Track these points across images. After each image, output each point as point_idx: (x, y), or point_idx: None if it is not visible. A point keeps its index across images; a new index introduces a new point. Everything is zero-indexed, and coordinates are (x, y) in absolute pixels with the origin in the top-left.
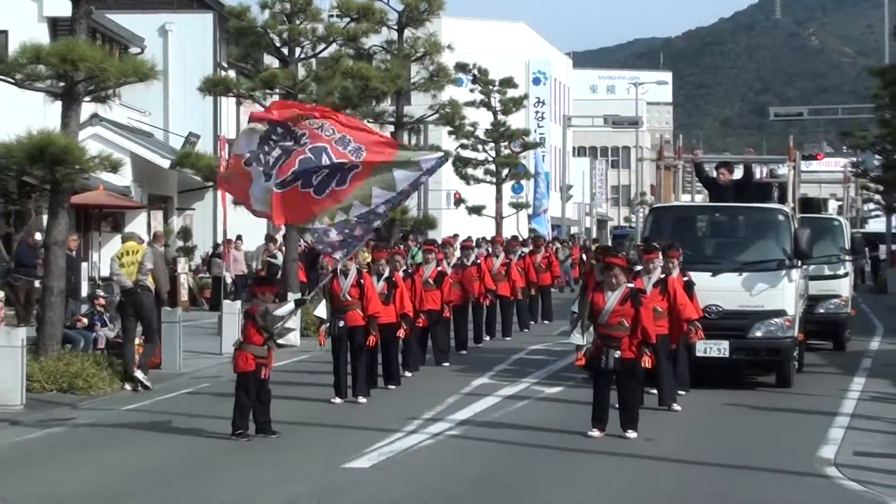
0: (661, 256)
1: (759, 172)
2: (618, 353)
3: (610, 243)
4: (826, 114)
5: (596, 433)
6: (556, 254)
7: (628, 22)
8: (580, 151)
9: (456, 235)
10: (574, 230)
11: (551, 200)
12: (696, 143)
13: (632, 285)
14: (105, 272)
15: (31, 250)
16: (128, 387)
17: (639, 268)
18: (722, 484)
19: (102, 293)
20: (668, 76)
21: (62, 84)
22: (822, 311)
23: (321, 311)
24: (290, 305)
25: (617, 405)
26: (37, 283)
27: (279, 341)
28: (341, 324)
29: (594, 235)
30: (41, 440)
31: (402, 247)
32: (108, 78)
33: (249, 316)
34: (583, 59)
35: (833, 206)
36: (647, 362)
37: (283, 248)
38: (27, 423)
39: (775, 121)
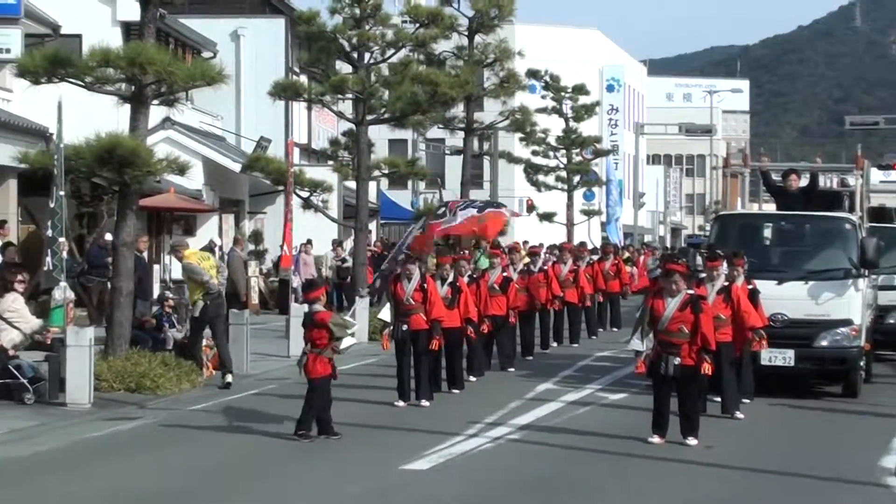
0: (725, 264)
1: (830, 181)
2: (677, 360)
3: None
4: None
5: (656, 440)
6: (627, 261)
7: (705, 29)
8: (655, 159)
9: (526, 242)
10: (647, 238)
11: (624, 208)
12: (773, 151)
13: (692, 292)
14: (175, 275)
15: (103, 252)
16: (229, 378)
17: (703, 275)
18: (780, 492)
19: (172, 295)
20: (744, 84)
21: (131, 87)
22: (892, 321)
23: (385, 314)
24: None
25: (678, 412)
26: (109, 285)
27: (344, 346)
28: (405, 327)
29: (668, 243)
30: (107, 438)
31: (467, 252)
32: (176, 81)
33: (318, 323)
34: (660, 67)
35: None
36: (706, 369)
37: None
38: (94, 420)
39: (852, 130)
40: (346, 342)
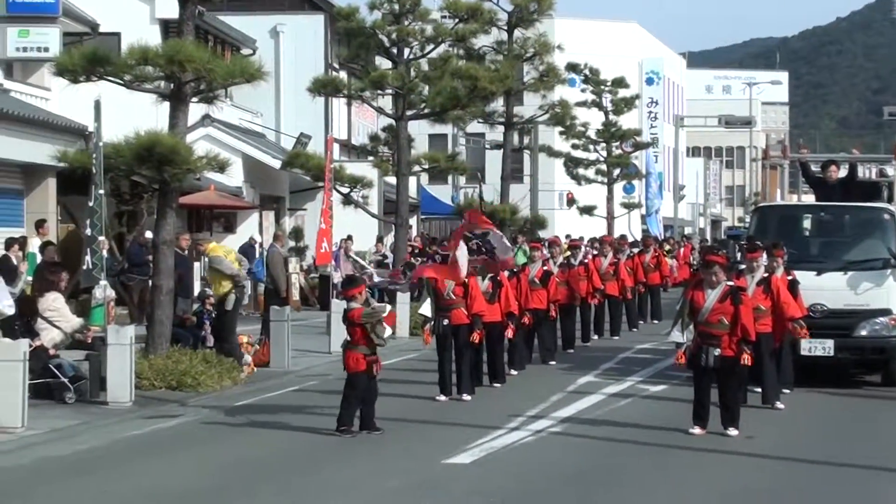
0: (764, 255)
1: (868, 172)
2: (717, 351)
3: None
4: None
5: (697, 431)
6: (668, 254)
7: (744, 22)
8: (695, 152)
9: (568, 236)
10: (687, 230)
11: (664, 201)
12: (813, 143)
13: (732, 283)
14: None
15: (143, 250)
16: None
17: (742, 266)
18: (820, 482)
19: (212, 292)
20: (783, 76)
21: (170, 85)
22: None
23: (426, 309)
24: (384, 306)
25: (718, 403)
26: (149, 283)
27: (386, 336)
28: (445, 322)
29: (707, 236)
30: (148, 436)
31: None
32: (216, 79)
33: (350, 320)
34: (699, 59)
35: None
36: (746, 360)
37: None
38: (135, 419)
39: (891, 120)
40: (386, 331)
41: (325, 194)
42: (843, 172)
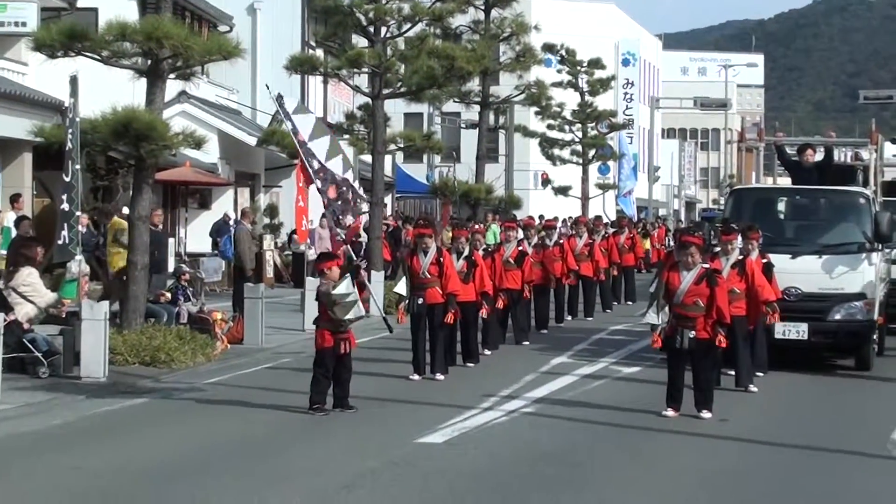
0: (739, 238)
1: (844, 156)
2: (692, 333)
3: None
4: None
5: (670, 413)
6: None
7: (720, 4)
8: (670, 133)
9: (542, 216)
10: (662, 212)
11: (638, 182)
12: (788, 126)
13: (707, 266)
14: (191, 248)
15: None
16: None
17: (717, 249)
18: (792, 465)
19: (187, 268)
20: (759, 59)
21: (148, 61)
22: None
23: (401, 287)
24: (346, 280)
25: (692, 385)
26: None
27: (349, 317)
28: (420, 301)
29: (682, 217)
30: (121, 412)
31: (482, 225)
32: (193, 56)
33: (317, 295)
34: (674, 41)
35: None
36: (721, 342)
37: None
38: (108, 395)
39: (866, 104)
40: (352, 313)
41: (300, 172)
42: (819, 156)
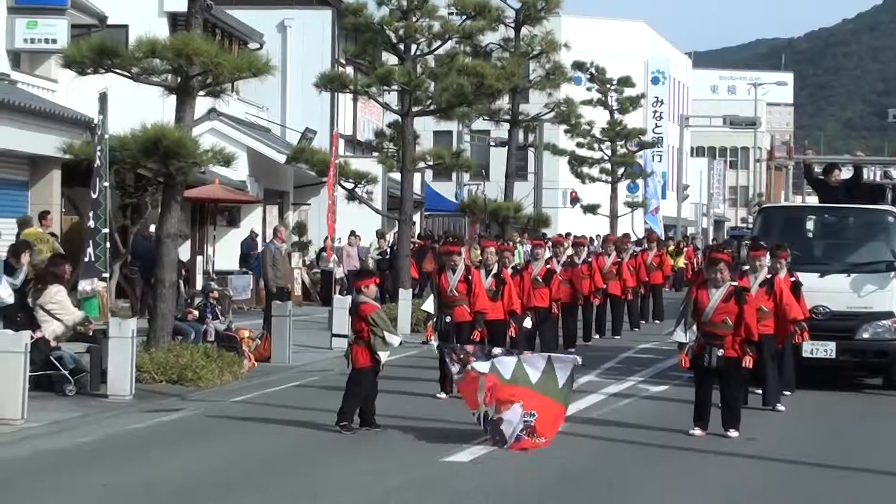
0: (768, 256)
1: (873, 174)
2: (721, 352)
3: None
4: None
5: (697, 432)
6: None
7: (750, 22)
8: (699, 151)
9: (568, 234)
10: (690, 230)
11: (667, 201)
12: (817, 144)
13: (736, 284)
14: (220, 266)
15: (147, 243)
16: None
17: (746, 267)
18: (820, 485)
19: (216, 286)
20: (788, 77)
21: (177, 78)
22: None
23: (429, 305)
24: (395, 340)
25: (720, 404)
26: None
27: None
28: (448, 319)
29: (710, 236)
30: (148, 430)
31: (511, 243)
32: (223, 72)
33: (361, 315)
34: (704, 59)
35: None
36: (748, 362)
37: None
38: (136, 412)
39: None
40: (384, 355)
41: (329, 190)
42: (846, 175)
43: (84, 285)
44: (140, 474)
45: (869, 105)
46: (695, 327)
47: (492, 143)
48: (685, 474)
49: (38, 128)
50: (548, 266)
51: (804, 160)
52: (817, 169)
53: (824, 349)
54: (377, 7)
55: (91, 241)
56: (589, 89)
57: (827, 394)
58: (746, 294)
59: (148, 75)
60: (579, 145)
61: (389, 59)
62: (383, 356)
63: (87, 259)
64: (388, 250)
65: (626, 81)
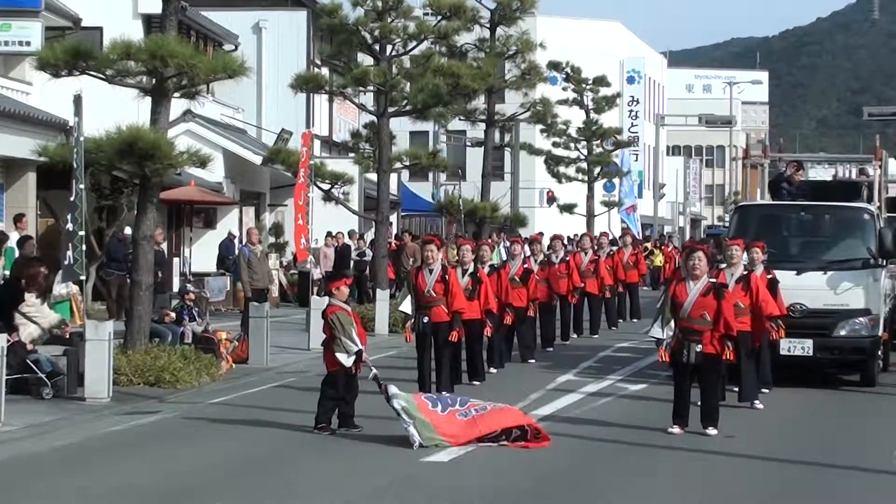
0: (744, 252)
1: (849, 172)
2: (699, 347)
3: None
4: None
5: (676, 430)
6: (648, 255)
7: (725, 21)
8: (675, 150)
9: (541, 233)
10: (667, 229)
11: (644, 199)
12: (793, 143)
13: (714, 280)
14: (196, 268)
15: (122, 245)
16: None
17: (723, 266)
18: (798, 481)
19: (192, 288)
20: (763, 76)
21: (152, 80)
22: None
23: (406, 306)
24: (351, 347)
25: (698, 402)
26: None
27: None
28: (426, 319)
29: (687, 235)
30: (126, 432)
31: (491, 240)
32: (198, 74)
33: (325, 316)
34: (680, 58)
35: None
36: (729, 354)
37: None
38: (113, 415)
39: (870, 120)
40: (342, 357)
41: (301, 189)
42: (826, 176)
43: (59, 289)
44: (118, 477)
45: (843, 103)
46: (672, 324)
47: (468, 143)
48: (664, 472)
49: (13, 130)
50: (525, 265)
51: (780, 157)
52: (783, 168)
53: (801, 346)
54: (352, 8)
55: (70, 244)
56: (565, 89)
57: (804, 391)
58: (724, 290)
59: (123, 77)
60: (555, 145)
61: (365, 59)
62: (342, 359)
63: (65, 262)
64: (367, 251)
65: (601, 81)
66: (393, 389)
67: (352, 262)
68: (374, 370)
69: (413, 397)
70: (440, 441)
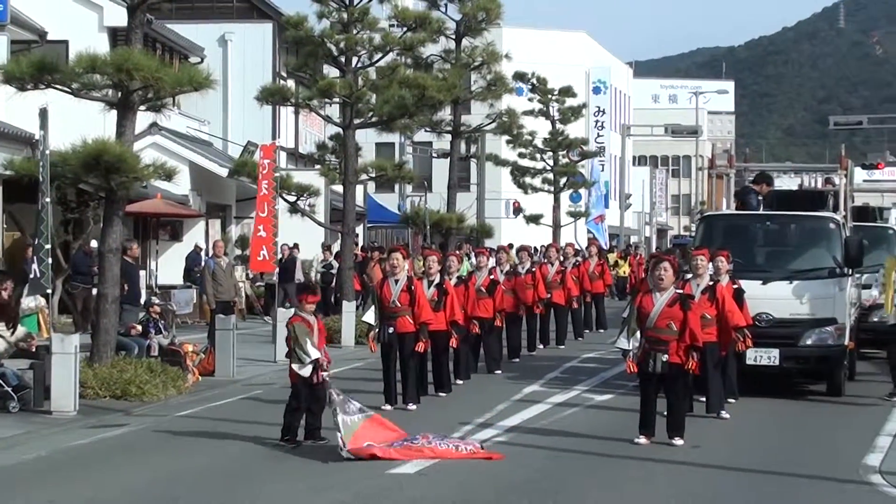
0: (709, 263)
1: (814, 181)
2: (665, 357)
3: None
4: (889, 122)
5: (643, 440)
6: (614, 265)
7: (691, 31)
8: (641, 161)
9: (510, 245)
10: (634, 239)
11: (610, 210)
12: (759, 152)
13: (681, 291)
14: (162, 280)
15: (88, 258)
16: None
17: (689, 276)
18: (763, 491)
19: (158, 301)
20: (729, 85)
21: (118, 93)
22: (875, 319)
23: (370, 316)
24: (304, 357)
25: (665, 412)
26: (94, 291)
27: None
28: (391, 330)
29: (655, 245)
30: (92, 445)
31: (459, 252)
32: (163, 87)
33: (286, 326)
34: (646, 69)
35: (895, 214)
36: (693, 365)
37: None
38: (80, 428)
39: (836, 130)
40: (296, 367)
41: (264, 201)
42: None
43: (27, 301)
44: (85, 490)
45: (810, 112)
46: (638, 334)
47: (434, 155)
48: (631, 483)
49: None
50: (491, 276)
51: (746, 167)
52: (749, 179)
53: (768, 356)
54: (318, 20)
55: (36, 258)
56: (530, 100)
57: (771, 401)
58: (691, 300)
59: (88, 90)
60: (521, 156)
61: (331, 71)
62: (297, 369)
63: (32, 276)
64: (332, 262)
65: (567, 91)
66: (346, 405)
67: (318, 274)
68: (331, 389)
69: (360, 425)
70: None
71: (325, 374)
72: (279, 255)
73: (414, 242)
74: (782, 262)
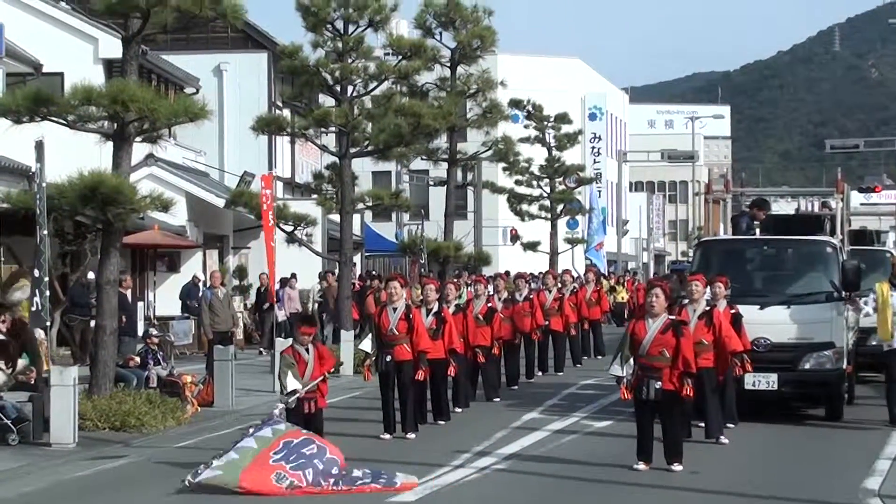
0: (706, 288)
1: (811, 205)
2: (658, 384)
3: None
4: (885, 146)
5: (641, 466)
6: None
7: (686, 56)
8: (638, 186)
9: (507, 272)
10: (631, 265)
11: (607, 236)
12: (755, 177)
13: (674, 317)
14: (160, 311)
15: (86, 290)
16: None
17: (686, 301)
18: None
19: (156, 332)
20: (725, 110)
21: (114, 125)
22: (873, 343)
23: (366, 345)
24: (288, 385)
25: (662, 438)
26: (92, 323)
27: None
28: (389, 359)
29: (652, 271)
30: (92, 477)
31: (457, 281)
32: (159, 118)
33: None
34: (642, 94)
35: (892, 238)
36: (688, 391)
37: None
38: (79, 460)
39: (833, 153)
40: (279, 405)
41: (271, 231)
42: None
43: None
44: None
45: (806, 136)
46: (631, 361)
47: (430, 183)
48: None
49: None
50: (489, 304)
51: (742, 192)
52: (746, 203)
53: (766, 381)
54: (312, 49)
55: (37, 290)
56: (526, 127)
57: (770, 425)
58: (684, 327)
59: (84, 122)
60: (518, 183)
61: (326, 100)
62: (279, 400)
63: (34, 308)
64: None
65: (563, 118)
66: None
67: (316, 304)
68: (286, 404)
69: (275, 439)
70: (230, 485)
71: (291, 399)
72: (260, 285)
73: (411, 271)
74: (780, 286)
